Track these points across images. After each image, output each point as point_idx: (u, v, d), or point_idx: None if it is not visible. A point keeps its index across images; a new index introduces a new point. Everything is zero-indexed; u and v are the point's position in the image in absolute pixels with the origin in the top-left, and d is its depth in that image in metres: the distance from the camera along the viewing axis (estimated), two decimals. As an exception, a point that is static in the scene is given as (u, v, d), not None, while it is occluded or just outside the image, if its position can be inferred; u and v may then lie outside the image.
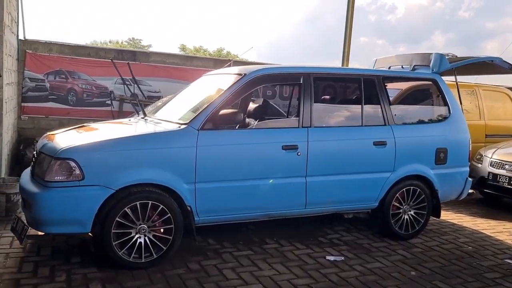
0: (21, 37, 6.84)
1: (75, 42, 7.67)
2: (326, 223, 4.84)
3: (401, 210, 4.45)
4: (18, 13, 6.47)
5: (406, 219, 4.48)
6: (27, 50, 6.93)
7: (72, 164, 3.18)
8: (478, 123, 7.29)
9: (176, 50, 33.26)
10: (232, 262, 3.69)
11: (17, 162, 6.25)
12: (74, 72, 7.29)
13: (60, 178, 3.18)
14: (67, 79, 7.26)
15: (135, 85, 4.51)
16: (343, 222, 4.91)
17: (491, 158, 6.18)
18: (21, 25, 6.75)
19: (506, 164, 5.93)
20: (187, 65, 8.14)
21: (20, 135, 6.96)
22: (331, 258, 3.89)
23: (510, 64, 5.10)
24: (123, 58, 7.55)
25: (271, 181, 3.77)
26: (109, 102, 7.50)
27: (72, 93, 7.30)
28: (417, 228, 4.53)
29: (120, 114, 7.35)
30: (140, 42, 37.55)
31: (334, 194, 4.11)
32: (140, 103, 4.20)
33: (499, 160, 6.05)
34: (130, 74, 4.22)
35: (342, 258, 3.91)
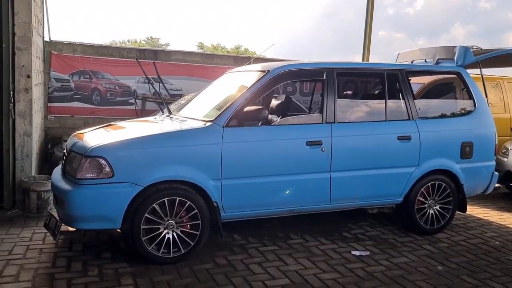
0: (46, 38, 7.00)
1: (98, 43, 7.78)
2: (350, 218, 4.84)
3: (426, 205, 4.42)
4: (43, 15, 6.63)
5: (432, 214, 4.45)
6: (52, 51, 7.10)
7: (102, 162, 3.26)
8: (503, 116, 7.15)
9: (194, 48, 33.43)
10: (258, 257, 3.73)
11: (46, 161, 6.43)
12: (98, 72, 7.43)
13: (91, 175, 3.27)
14: (91, 79, 7.42)
15: (160, 84, 4.58)
16: (367, 217, 4.90)
17: (517, 151, 6.06)
18: (46, 27, 6.90)
19: (533, 158, 5.81)
20: (208, 63, 8.21)
21: (47, 135, 7.14)
22: (357, 253, 3.90)
23: (537, 55, 4.98)
24: (145, 57, 7.67)
25: (296, 177, 3.79)
26: (132, 101, 7.63)
27: (96, 92, 7.45)
28: (443, 223, 4.50)
29: (143, 112, 7.47)
30: (158, 41, 37.91)
31: (359, 189, 4.11)
32: (165, 101, 4.26)
33: (526, 153, 5.93)
34: (156, 73, 4.29)
35: (368, 253, 3.91)
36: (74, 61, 7.26)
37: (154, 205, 3.39)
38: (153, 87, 4.45)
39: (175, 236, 3.48)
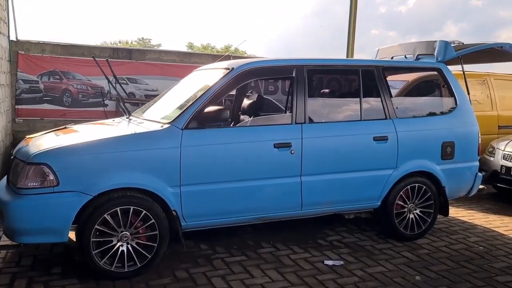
0: (13, 38, 6.68)
1: (69, 42, 7.46)
2: (328, 223, 4.58)
3: (405, 209, 4.17)
4: (8, 14, 6.31)
5: (412, 218, 4.20)
6: (19, 51, 6.79)
7: (45, 169, 2.97)
8: (490, 113, 6.95)
9: (184, 48, 33.09)
10: (223, 269, 3.46)
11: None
12: (69, 72, 7.14)
13: (33, 184, 2.98)
14: (62, 79, 7.12)
15: (116, 84, 4.29)
16: (345, 222, 4.64)
17: (504, 150, 5.84)
18: (13, 26, 6.58)
19: (519, 157, 5.59)
20: (185, 62, 7.94)
21: (15, 138, 6.82)
22: (330, 262, 3.64)
23: (521, 50, 4.75)
24: (118, 57, 7.37)
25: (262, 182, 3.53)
26: (106, 102, 7.33)
27: (67, 94, 7.15)
28: (424, 227, 4.25)
29: (116, 114, 7.16)
30: (150, 42, 37.54)
31: (332, 194, 3.85)
32: (123, 103, 3.98)
33: (512, 152, 5.71)
34: (111, 72, 4.01)
35: (342, 262, 3.65)
36: (43, 61, 6.95)
37: (105, 215, 3.10)
38: (113, 87, 4.17)
39: (130, 249, 3.20)
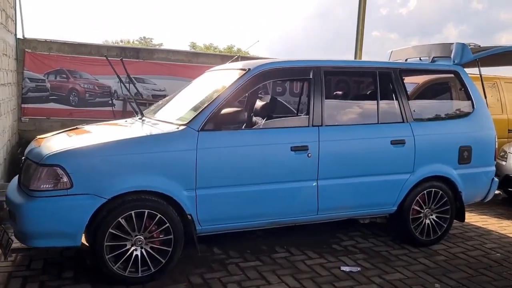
0: (19, 35, 6.60)
1: (77, 40, 7.38)
2: (340, 228, 4.50)
3: (421, 214, 4.09)
4: (15, 11, 6.23)
5: (427, 224, 4.12)
6: (26, 49, 6.71)
7: (59, 171, 2.89)
8: (500, 117, 6.85)
9: (186, 48, 33.04)
10: (238, 274, 3.38)
11: (19, 166, 6.01)
12: (76, 71, 7.05)
13: (46, 186, 2.90)
14: (68, 78, 7.03)
15: (132, 84, 4.21)
16: (358, 227, 4.56)
17: (516, 155, 5.76)
18: (20, 24, 6.50)
19: (533, 162, 5.51)
20: (193, 62, 7.85)
21: (21, 138, 6.74)
22: (347, 268, 3.56)
23: (539, 53, 4.67)
24: (126, 56, 7.29)
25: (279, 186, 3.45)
26: (136, 102, 7.23)
27: (73, 93, 7.06)
28: (440, 233, 4.17)
29: (123, 114, 7.09)
30: (152, 41, 37.43)
31: (349, 198, 3.77)
32: (137, 103, 3.90)
33: (525, 157, 5.63)
34: (125, 71, 3.93)
35: (359, 268, 3.57)
36: (49, 60, 6.86)
37: (119, 219, 3.02)
38: (125, 87, 4.08)
39: (144, 253, 3.12)
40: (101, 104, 7.22)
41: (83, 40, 8.01)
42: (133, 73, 7.12)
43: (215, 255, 3.72)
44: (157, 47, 26.93)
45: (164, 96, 7.20)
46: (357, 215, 3.97)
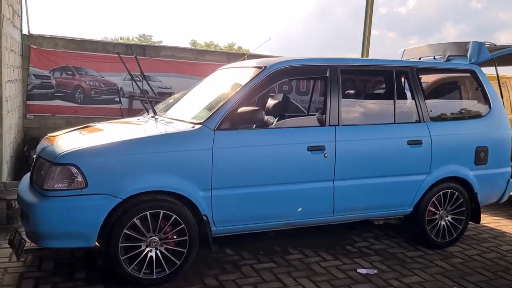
0: (25, 31, 6.51)
1: (82, 37, 7.29)
2: (353, 228, 4.43)
3: (437, 216, 4.03)
4: (21, 7, 6.14)
5: (443, 225, 4.05)
6: (31, 46, 6.62)
7: (74, 170, 2.82)
8: (509, 117, 6.79)
9: (187, 46, 32.90)
10: (253, 276, 3.31)
11: (25, 164, 5.94)
12: (81, 68, 6.97)
13: (60, 186, 2.82)
14: (74, 75, 6.95)
15: (144, 81, 4.13)
16: (371, 228, 4.50)
17: (528, 155, 5.70)
18: (25, 20, 6.42)
19: (546, 162, 5.45)
20: (199, 60, 7.78)
21: (26, 135, 6.66)
22: (363, 271, 3.49)
23: (555, 52, 4.60)
24: (131, 53, 7.20)
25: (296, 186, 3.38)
26: (118, 99, 7.16)
27: (79, 90, 6.98)
28: (455, 235, 4.10)
29: (130, 112, 7.02)
30: (151, 39, 37.29)
31: (365, 199, 3.70)
32: (150, 101, 3.82)
33: (537, 158, 5.57)
34: (139, 69, 3.85)
35: (375, 271, 3.50)
36: (55, 56, 6.78)
37: (134, 219, 2.95)
38: (137, 85, 4.00)
39: (159, 255, 3.05)
40: (107, 102, 7.13)
41: (87, 37, 7.92)
42: (138, 70, 7.07)
43: (228, 256, 3.65)
44: (162, 44, 26.79)
45: (170, 94, 7.13)
46: (373, 216, 3.90)
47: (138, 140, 3.09)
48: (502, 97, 4.36)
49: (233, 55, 8.46)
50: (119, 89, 7.12)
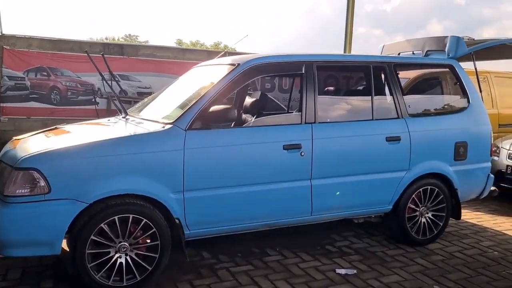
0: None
1: (57, 36, 7.10)
2: (333, 227, 4.36)
3: (417, 213, 3.97)
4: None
5: (423, 222, 4.00)
6: (4, 46, 6.42)
7: (36, 174, 2.69)
8: (490, 112, 6.73)
9: (173, 45, 32.61)
10: (229, 280, 3.21)
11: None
12: (57, 68, 6.79)
13: (22, 192, 2.69)
14: (49, 76, 6.77)
15: (113, 81, 4.00)
16: (352, 227, 4.43)
17: (509, 150, 5.70)
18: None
19: (526, 157, 5.45)
20: (179, 58, 7.64)
21: (0, 139, 6.46)
22: (342, 271, 3.42)
23: (533, 46, 4.58)
24: (109, 52, 7.04)
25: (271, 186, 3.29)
26: (96, 100, 7.00)
27: (55, 91, 6.80)
28: (436, 232, 4.05)
29: (108, 113, 6.85)
30: (137, 38, 36.98)
31: (343, 198, 3.62)
32: (120, 101, 3.69)
33: (518, 152, 5.56)
34: (107, 68, 3.72)
35: (355, 271, 3.43)
36: (29, 57, 6.59)
37: (102, 224, 2.83)
38: (108, 84, 3.88)
39: (129, 261, 2.93)
40: (84, 103, 6.97)
41: (64, 36, 7.72)
42: (118, 70, 6.92)
43: (204, 260, 3.55)
44: (143, 43, 26.51)
45: (150, 93, 6.98)
46: (352, 215, 3.83)
47: (104, 142, 2.96)
48: (480, 91, 4.31)
49: (214, 53, 8.35)
50: (96, 89, 6.95)
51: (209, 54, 8.32)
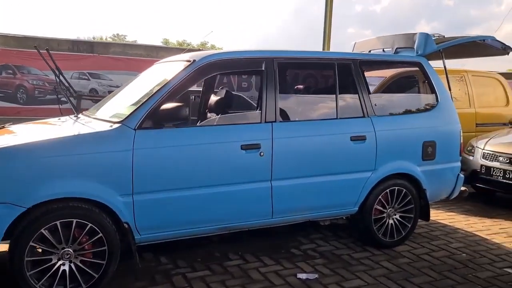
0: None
1: (23, 34, 6.88)
2: (302, 229, 4.24)
3: (384, 214, 3.86)
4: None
5: (391, 224, 3.89)
6: (-34, 43, 6.19)
7: (-33, 177, 2.51)
8: (468, 111, 6.76)
9: (159, 44, 32.28)
10: (183, 287, 3.07)
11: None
12: (23, 66, 6.56)
13: (-47, 195, 2.51)
14: (15, 74, 6.55)
15: (62, 77, 3.83)
16: (320, 229, 4.31)
17: (483, 149, 5.63)
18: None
19: (500, 156, 5.39)
20: (152, 57, 7.47)
21: (-37, 139, 6.23)
22: (303, 276, 3.29)
23: (503, 43, 4.52)
24: (78, 50, 6.85)
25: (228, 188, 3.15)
26: (64, 99, 6.77)
27: (21, 90, 6.59)
28: (404, 234, 3.95)
29: (75, 111, 6.64)
30: (125, 38, 36.66)
31: (306, 199, 3.50)
32: (69, 99, 3.53)
33: (492, 151, 5.51)
34: (53, 63, 3.55)
35: (316, 275, 3.31)
36: (-7, 54, 6.36)
37: (42, 230, 2.66)
38: (61, 81, 3.70)
39: (73, 268, 2.77)
40: (52, 102, 6.75)
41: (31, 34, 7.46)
42: (87, 68, 6.74)
43: (160, 265, 3.40)
44: (131, 43, 26.22)
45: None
46: (316, 217, 3.71)
47: (45, 142, 2.79)
48: (450, 90, 4.22)
49: (190, 52, 8.19)
50: (64, 88, 6.72)
51: (183, 52, 8.16)
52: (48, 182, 2.68)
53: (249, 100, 5.72)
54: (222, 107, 3.97)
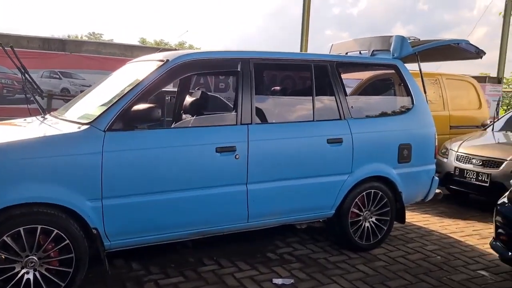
0: None
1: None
2: (279, 233, 4.18)
3: (361, 217, 3.84)
4: None
5: (367, 227, 3.88)
6: None
7: None
8: (442, 114, 6.86)
9: (136, 44, 31.81)
10: (155, 294, 2.96)
11: None
12: (-9, 64, 6.30)
13: None
14: (-18, 72, 6.27)
15: (27, 75, 3.67)
16: (297, 232, 4.26)
17: (457, 151, 5.71)
18: None
19: (473, 158, 5.47)
20: (126, 56, 7.28)
21: None
22: (279, 281, 3.23)
23: (477, 47, 4.57)
24: (50, 48, 6.61)
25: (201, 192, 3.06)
26: (36, 98, 6.54)
27: (-12, 89, 6.32)
28: (380, 236, 3.94)
29: (45, 112, 6.42)
30: (101, 36, 35.91)
31: (282, 203, 3.44)
32: (35, 98, 3.38)
33: (465, 153, 5.58)
34: (18, 61, 3.39)
35: (292, 280, 3.25)
36: (-42, 52, 6.07)
37: (4, 237, 2.52)
38: (28, 80, 3.54)
39: (38, 276, 2.63)
40: (21, 101, 6.50)
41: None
42: (59, 67, 6.52)
43: (132, 272, 3.28)
44: (106, 41, 25.72)
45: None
46: (293, 220, 3.66)
47: (7, 144, 2.65)
48: (425, 92, 4.24)
49: (165, 51, 8.03)
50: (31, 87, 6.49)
51: (158, 51, 8.00)
52: (10, 186, 2.54)
53: (226, 101, 5.62)
54: (197, 108, 3.89)
